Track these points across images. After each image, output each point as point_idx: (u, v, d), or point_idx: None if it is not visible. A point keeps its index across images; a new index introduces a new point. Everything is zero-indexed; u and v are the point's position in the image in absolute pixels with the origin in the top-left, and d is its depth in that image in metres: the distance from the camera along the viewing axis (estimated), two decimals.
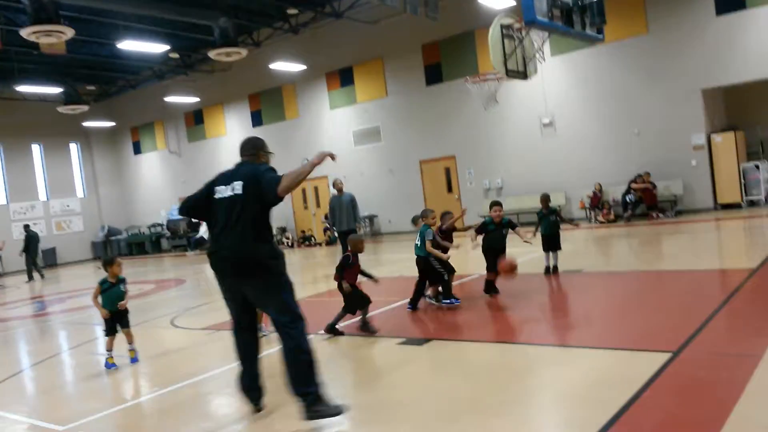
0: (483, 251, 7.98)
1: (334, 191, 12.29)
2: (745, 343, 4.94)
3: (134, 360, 6.68)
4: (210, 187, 4.42)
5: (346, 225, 11.97)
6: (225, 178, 4.36)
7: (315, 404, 4.11)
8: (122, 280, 6.72)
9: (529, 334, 6.31)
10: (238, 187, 4.21)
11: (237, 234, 4.15)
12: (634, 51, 16.08)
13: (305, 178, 4.04)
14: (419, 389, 4.82)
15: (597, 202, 16.32)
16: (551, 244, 9.16)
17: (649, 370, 4.44)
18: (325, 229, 21.01)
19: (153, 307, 11.01)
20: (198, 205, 4.48)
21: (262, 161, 4.47)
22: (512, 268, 7.35)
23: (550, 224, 9.14)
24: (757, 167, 15.31)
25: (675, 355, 4.73)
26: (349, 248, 6.86)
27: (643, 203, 15.72)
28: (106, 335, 6.63)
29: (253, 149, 4.53)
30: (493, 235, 7.96)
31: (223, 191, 4.29)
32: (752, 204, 15.28)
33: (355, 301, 6.74)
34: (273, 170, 4.23)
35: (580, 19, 7.21)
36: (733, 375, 4.24)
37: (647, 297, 7.37)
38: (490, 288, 7.95)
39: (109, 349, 6.59)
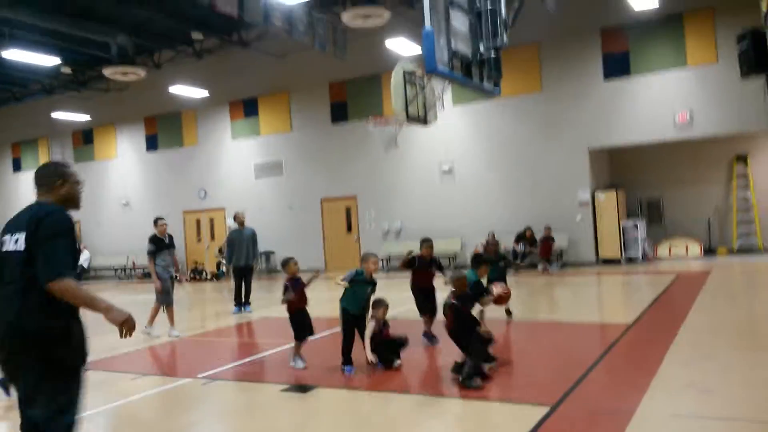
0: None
1: (234, 224, 11.82)
2: (620, 399, 5.03)
3: None
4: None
5: (245, 260, 11.53)
6: (12, 224, 3.25)
7: None
8: None
9: (413, 383, 6.16)
10: (20, 240, 3.14)
11: (14, 299, 3.08)
12: (529, 107, 16.88)
13: (89, 307, 3.08)
14: None
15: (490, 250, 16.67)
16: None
17: (526, 425, 4.39)
18: (218, 263, 20.16)
19: None
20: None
21: (61, 194, 3.33)
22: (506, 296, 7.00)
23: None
24: (636, 226, 16.29)
25: (552, 410, 4.73)
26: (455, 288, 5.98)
27: (534, 254, 16.16)
28: None
29: (47, 179, 3.33)
30: (421, 272, 7.78)
31: (7, 241, 3.21)
32: (630, 261, 16.19)
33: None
34: (65, 223, 3.19)
35: (478, 72, 7.40)
36: None
37: (529, 348, 7.47)
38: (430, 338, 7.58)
39: None
